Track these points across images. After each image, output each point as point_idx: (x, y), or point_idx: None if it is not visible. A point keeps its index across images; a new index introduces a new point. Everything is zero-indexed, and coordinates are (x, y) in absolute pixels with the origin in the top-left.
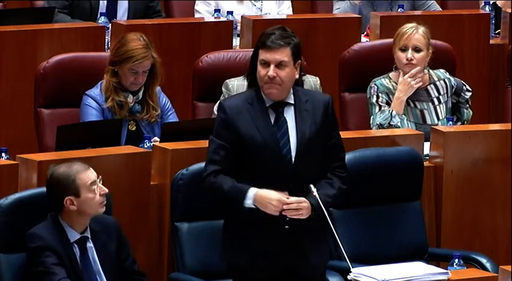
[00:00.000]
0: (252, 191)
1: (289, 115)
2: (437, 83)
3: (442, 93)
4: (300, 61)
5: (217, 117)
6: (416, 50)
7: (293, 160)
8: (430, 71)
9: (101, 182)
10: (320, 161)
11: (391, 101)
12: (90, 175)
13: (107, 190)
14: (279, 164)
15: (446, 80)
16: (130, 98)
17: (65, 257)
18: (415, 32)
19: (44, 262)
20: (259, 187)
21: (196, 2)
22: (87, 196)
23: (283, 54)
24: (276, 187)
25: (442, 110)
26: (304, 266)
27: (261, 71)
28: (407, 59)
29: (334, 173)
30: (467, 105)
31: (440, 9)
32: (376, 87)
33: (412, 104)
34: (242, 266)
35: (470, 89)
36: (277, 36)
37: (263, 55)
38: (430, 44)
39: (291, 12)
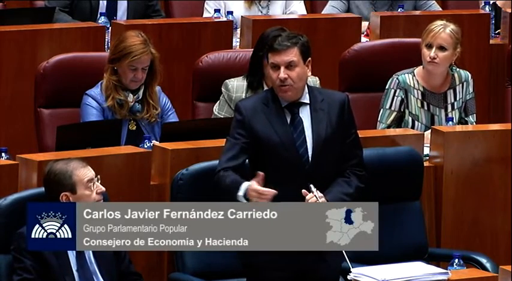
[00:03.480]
0: (245, 185)
1: (305, 115)
2: (457, 87)
3: (457, 98)
4: (310, 59)
5: (233, 118)
6: (441, 48)
7: (310, 159)
8: (455, 72)
9: (99, 181)
10: (337, 160)
11: (406, 100)
12: (88, 172)
13: (104, 189)
14: (296, 164)
15: (465, 83)
16: (131, 97)
17: (52, 258)
18: (441, 31)
19: (18, 266)
20: (276, 187)
21: (207, 1)
22: (84, 192)
23: (292, 55)
24: (293, 187)
25: (453, 115)
26: (320, 267)
27: (272, 74)
28: (430, 57)
29: (352, 172)
30: (472, 121)
31: (441, 10)
32: (397, 81)
33: (426, 107)
34: (258, 265)
35: (475, 111)
36: (284, 37)
37: (272, 58)
38: (459, 43)
39: (304, 12)
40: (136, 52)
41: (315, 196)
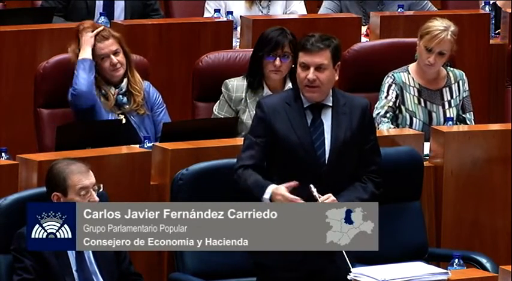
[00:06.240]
0: (271, 187)
1: (327, 117)
2: (453, 86)
3: (454, 96)
4: (339, 63)
5: (254, 115)
6: (441, 54)
7: (327, 162)
8: (450, 72)
9: (100, 189)
10: (354, 164)
11: (402, 98)
12: (84, 179)
13: (97, 200)
14: (313, 165)
15: (461, 82)
16: (113, 90)
17: (52, 258)
18: (444, 37)
19: (18, 266)
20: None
21: (207, 1)
22: (73, 198)
23: (323, 57)
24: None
25: (451, 113)
26: (330, 268)
27: (300, 73)
28: (429, 62)
29: (369, 178)
30: (470, 118)
31: (436, 10)
32: (393, 78)
33: (423, 103)
34: (269, 265)
35: (472, 109)
36: (317, 38)
37: (303, 58)
38: (455, 42)
39: (304, 12)
40: (99, 39)
41: (314, 195)
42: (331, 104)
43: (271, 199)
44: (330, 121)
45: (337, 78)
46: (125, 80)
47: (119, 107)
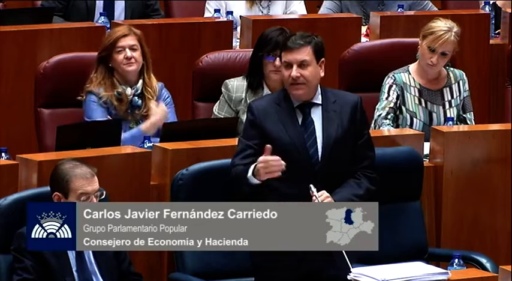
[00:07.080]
0: (253, 165)
1: (317, 116)
2: (453, 86)
3: (455, 96)
4: (323, 59)
5: (246, 118)
6: (443, 54)
7: (320, 160)
8: (450, 72)
9: (103, 196)
10: (348, 161)
11: (402, 98)
12: (86, 186)
13: None
14: (306, 165)
15: (461, 82)
16: (129, 91)
17: (52, 258)
18: (448, 38)
19: (18, 266)
20: (286, 186)
21: (207, 1)
22: (73, 201)
23: (304, 54)
24: (303, 187)
25: (451, 113)
26: (329, 268)
27: (284, 73)
28: (431, 62)
29: (363, 173)
30: (470, 118)
31: (437, 10)
32: (394, 78)
33: (424, 104)
34: (268, 265)
35: (472, 109)
36: (298, 36)
37: (285, 57)
38: (458, 42)
39: (304, 12)
40: (119, 33)
41: (314, 195)
42: (320, 102)
43: (254, 174)
44: (321, 119)
45: (322, 74)
46: (141, 81)
47: (132, 111)
